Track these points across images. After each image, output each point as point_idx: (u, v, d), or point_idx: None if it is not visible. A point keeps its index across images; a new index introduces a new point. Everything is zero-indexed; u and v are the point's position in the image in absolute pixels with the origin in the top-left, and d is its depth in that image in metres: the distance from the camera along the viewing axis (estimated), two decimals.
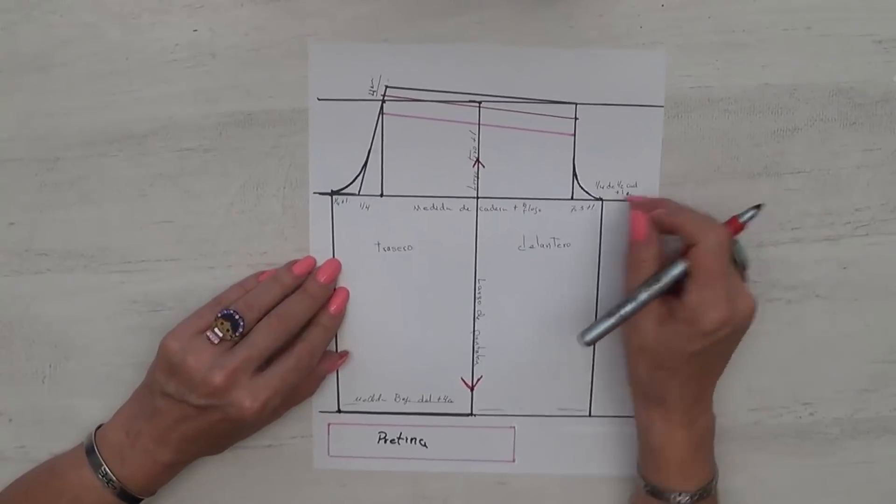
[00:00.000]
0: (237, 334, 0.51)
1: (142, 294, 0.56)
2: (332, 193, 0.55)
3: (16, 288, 0.56)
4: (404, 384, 0.57)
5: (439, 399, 0.57)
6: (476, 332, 0.56)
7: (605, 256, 0.55)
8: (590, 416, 0.57)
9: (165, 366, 0.51)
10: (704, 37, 0.53)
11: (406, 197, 0.55)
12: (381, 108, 0.54)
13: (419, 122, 0.54)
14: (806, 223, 0.55)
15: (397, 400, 0.57)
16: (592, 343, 0.50)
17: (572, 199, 0.55)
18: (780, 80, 0.53)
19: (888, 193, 0.54)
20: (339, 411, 0.57)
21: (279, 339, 0.52)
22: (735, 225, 0.51)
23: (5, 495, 0.54)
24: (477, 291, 0.56)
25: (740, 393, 0.57)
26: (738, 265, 0.51)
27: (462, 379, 0.57)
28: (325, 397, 0.57)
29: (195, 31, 0.53)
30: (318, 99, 0.54)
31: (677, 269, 0.49)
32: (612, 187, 0.54)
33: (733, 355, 0.56)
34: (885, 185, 0.54)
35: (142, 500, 0.53)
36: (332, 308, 0.54)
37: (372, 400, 0.57)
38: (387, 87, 0.53)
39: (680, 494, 0.51)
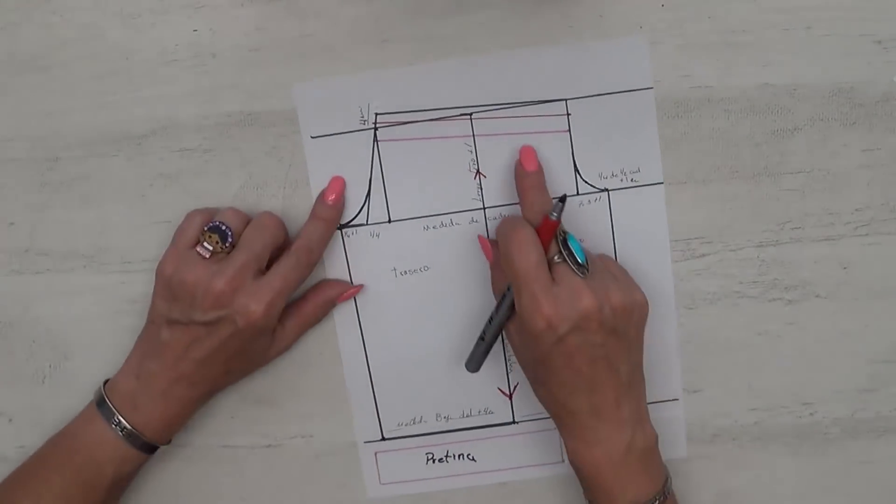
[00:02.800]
0: (227, 245, 0.50)
1: (142, 294, 0.56)
2: (341, 227, 0.55)
3: (16, 288, 0.56)
4: (443, 403, 0.57)
5: (480, 412, 0.57)
6: (505, 342, 0.56)
7: (620, 244, 0.55)
8: None
9: (164, 291, 0.50)
10: (704, 37, 0.53)
11: (414, 219, 0.55)
12: (375, 135, 0.54)
13: (415, 144, 0.54)
14: (806, 223, 0.55)
15: (439, 419, 0.57)
16: (475, 370, 0.53)
17: (578, 194, 0.54)
18: (780, 80, 0.53)
19: (888, 193, 0.54)
20: (383, 439, 0.58)
21: (275, 239, 0.51)
22: (547, 224, 0.49)
23: (23, 466, 0.53)
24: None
25: (740, 393, 0.57)
26: (572, 263, 0.48)
27: (499, 388, 0.57)
28: (367, 427, 0.57)
29: (195, 31, 0.53)
30: (312, 137, 0.54)
31: (510, 289, 0.50)
32: (616, 176, 0.54)
33: (734, 354, 0.56)
34: (885, 185, 0.54)
35: (157, 448, 0.53)
36: (330, 197, 0.53)
37: (414, 423, 0.58)
38: (377, 114, 0.53)
39: None
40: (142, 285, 0.56)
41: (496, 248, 0.52)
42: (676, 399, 0.57)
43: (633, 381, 0.49)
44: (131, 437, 0.51)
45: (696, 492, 0.58)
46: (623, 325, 0.48)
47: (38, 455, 0.53)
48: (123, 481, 0.53)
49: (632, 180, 0.54)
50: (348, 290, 0.55)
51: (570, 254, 0.48)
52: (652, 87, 0.53)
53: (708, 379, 0.57)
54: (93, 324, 0.56)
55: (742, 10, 0.52)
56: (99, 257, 0.56)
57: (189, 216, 0.53)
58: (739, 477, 0.58)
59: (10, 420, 0.58)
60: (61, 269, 0.56)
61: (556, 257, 0.48)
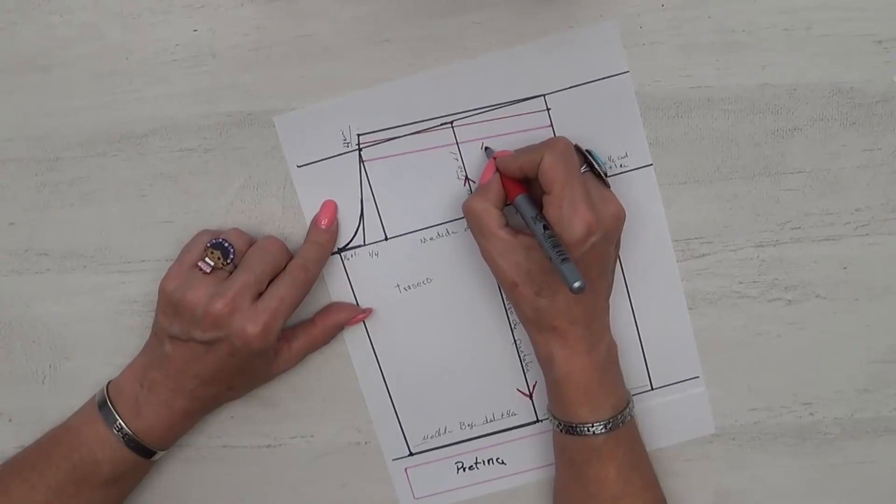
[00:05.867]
0: (229, 262, 0.51)
1: (142, 294, 0.56)
2: (339, 251, 0.55)
3: (16, 288, 0.56)
4: (465, 411, 0.57)
5: (503, 415, 0.58)
6: (517, 341, 0.56)
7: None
8: (652, 389, 0.57)
9: (167, 308, 0.51)
10: (704, 37, 0.53)
11: (410, 233, 0.55)
12: (360, 156, 0.54)
13: (401, 159, 0.54)
14: (806, 223, 0.55)
15: (463, 428, 0.58)
16: (583, 283, 0.45)
17: None
18: (780, 80, 0.53)
19: (888, 193, 0.54)
20: (411, 454, 0.58)
21: (277, 263, 0.51)
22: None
23: (21, 454, 0.54)
24: (505, 302, 0.56)
25: (740, 393, 0.57)
26: (599, 175, 0.50)
27: (518, 389, 0.57)
28: (394, 445, 0.58)
29: (195, 31, 0.53)
30: (298, 166, 0.54)
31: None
32: (605, 164, 0.54)
33: (734, 354, 0.56)
34: (885, 185, 0.54)
35: (156, 453, 0.53)
36: (323, 222, 0.54)
37: (439, 434, 0.58)
38: (359, 135, 0.54)
39: (593, 426, 0.50)
40: (142, 285, 0.56)
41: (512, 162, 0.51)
42: (697, 377, 0.57)
43: (610, 288, 0.53)
44: (132, 441, 0.51)
45: (696, 492, 0.58)
46: (618, 232, 0.51)
47: (37, 447, 0.53)
48: (119, 482, 0.53)
49: (621, 166, 0.54)
50: (357, 315, 0.55)
51: (595, 165, 0.50)
52: (627, 72, 0.53)
53: (708, 379, 0.57)
54: (93, 324, 0.56)
55: (742, 10, 0.52)
56: (99, 257, 0.56)
57: (196, 235, 0.53)
58: (739, 477, 0.58)
59: (10, 420, 0.58)
60: (61, 269, 0.56)
61: (582, 168, 0.50)
